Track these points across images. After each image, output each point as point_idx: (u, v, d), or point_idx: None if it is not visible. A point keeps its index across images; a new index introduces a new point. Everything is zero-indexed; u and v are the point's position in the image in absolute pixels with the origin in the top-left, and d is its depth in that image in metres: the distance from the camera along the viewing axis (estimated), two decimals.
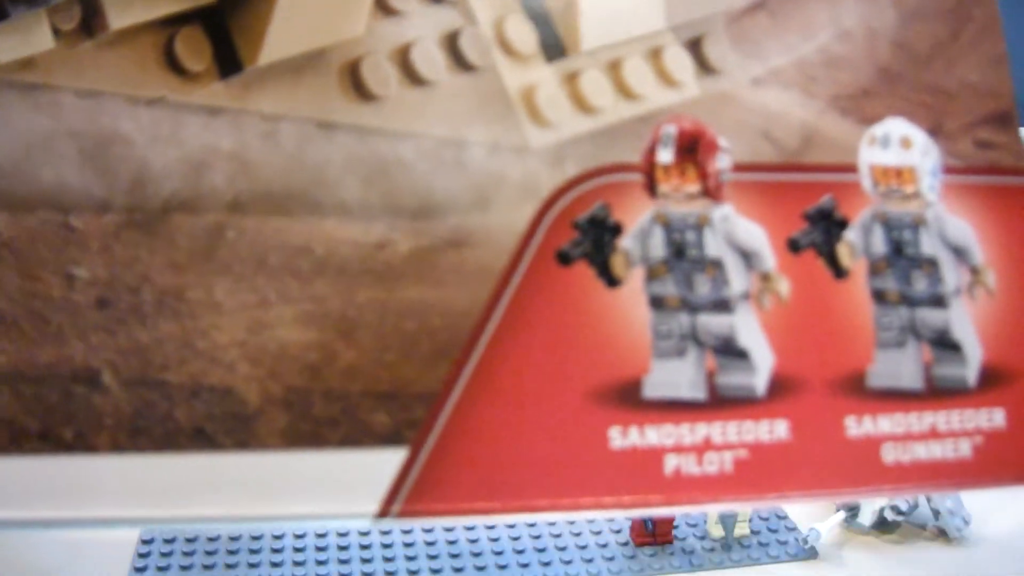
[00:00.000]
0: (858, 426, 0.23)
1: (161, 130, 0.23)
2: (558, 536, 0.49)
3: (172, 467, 0.21)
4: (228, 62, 0.23)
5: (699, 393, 0.23)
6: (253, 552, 0.48)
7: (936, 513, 0.48)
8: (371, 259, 0.22)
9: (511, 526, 0.49)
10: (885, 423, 0.24)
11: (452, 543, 0.48)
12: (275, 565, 0.47)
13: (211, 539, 0.49)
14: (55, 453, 0.21)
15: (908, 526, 0.50)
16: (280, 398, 0.22)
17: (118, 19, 0.23)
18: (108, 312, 0.22)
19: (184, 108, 0.23)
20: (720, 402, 0.23)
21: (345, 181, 0.23)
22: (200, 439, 0.22)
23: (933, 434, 0.24)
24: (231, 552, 0.48)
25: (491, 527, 0.49)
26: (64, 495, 0.21)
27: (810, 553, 0.47)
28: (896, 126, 0.25)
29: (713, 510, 0.44)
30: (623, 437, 0.23)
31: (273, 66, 0.23)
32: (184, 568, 0.47)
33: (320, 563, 0.47)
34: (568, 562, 0.47)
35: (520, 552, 0.47)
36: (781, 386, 0.23)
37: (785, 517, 0.51)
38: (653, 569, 0.46)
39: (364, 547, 0.48)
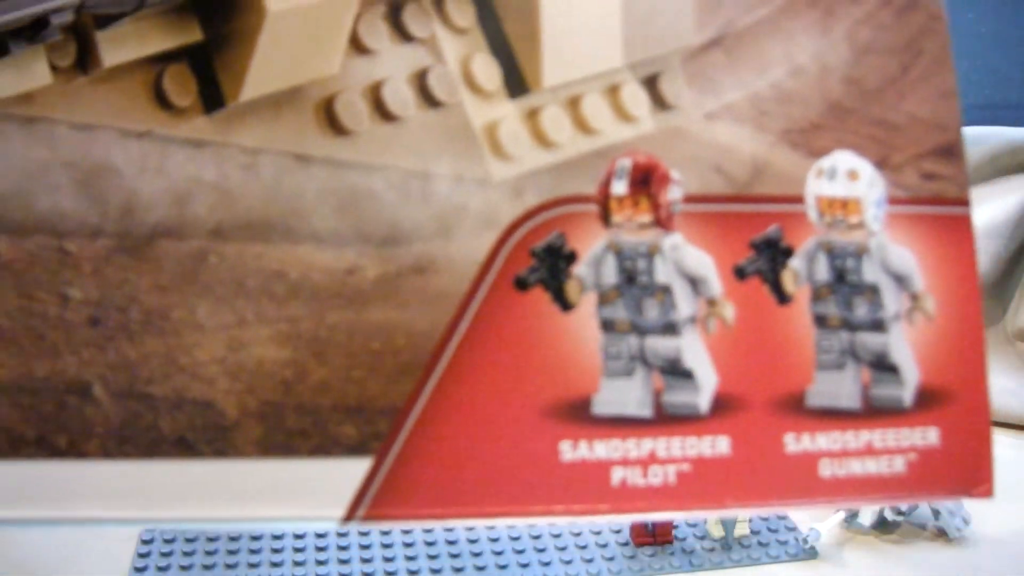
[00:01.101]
0: (796, 443, 0.24)
1: (149, 161, 0.24)
2: (558, 536, 0.48)
3: (156, 472, 0.23)
4: (212, 98, 0.24)
5: (645, 411, 0.24)
6: (253, 552, 0.47)
7: (936, 513, 0.47)
8: (341, 284, 0.24)
9: (511, 525, 0.48)
10: (823, 440, 0.24)
11: (452, 543, 0.47)
12: (275, 565, 0.46)
13: (211, 539, 0.48)
14: (50, 458, 0.23)
15: (908, 526, 0.49)
16: (256, 411, 0.23)
17: (111, 56, 0.24)
18: (99, 330, 0.23)
19: (170, 141, 0.24)
20: (665, 419, 0.24)
21: (319, 210, 0.24)
22: (182, 447, 0.23)
23: (869, 451, 0.25)
24: (231, 552, 0.47)
25: (491, 527, 0.48)
26: (57, 496, 0.23)
27: (810, 553, 0.46)
28: (843, 159, 0.25)
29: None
30: (573, 450, 0.24)
31: (254, 102, 0.24)
32: (184, 568, 0.45)
33: (320, 563, 0.46)
34: (568, 562, 0.45)
35: (520, 552, 0.46)
36: (724, 405, 0.24)
37: (785, 517, 0.50)
38: (653, 569, 0.45)
39: (364, 547, 0.47)
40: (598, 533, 0.48)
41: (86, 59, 0.24)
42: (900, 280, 0.25)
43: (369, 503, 0.23)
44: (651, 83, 0.25)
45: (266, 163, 0.24)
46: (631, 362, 0.24)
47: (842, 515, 0.48)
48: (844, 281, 0.25)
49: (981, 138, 0.67)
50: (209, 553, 0.47)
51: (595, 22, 0.25)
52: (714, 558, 0.46)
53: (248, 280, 0.23)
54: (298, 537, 0.48)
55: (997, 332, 0.67)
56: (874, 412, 0.24)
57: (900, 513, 0.46)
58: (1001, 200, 0.65)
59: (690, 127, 0.25)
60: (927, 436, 0.24)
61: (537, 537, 0.47)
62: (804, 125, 0.25)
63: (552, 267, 0.23)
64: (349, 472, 0.23)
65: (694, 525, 0.48)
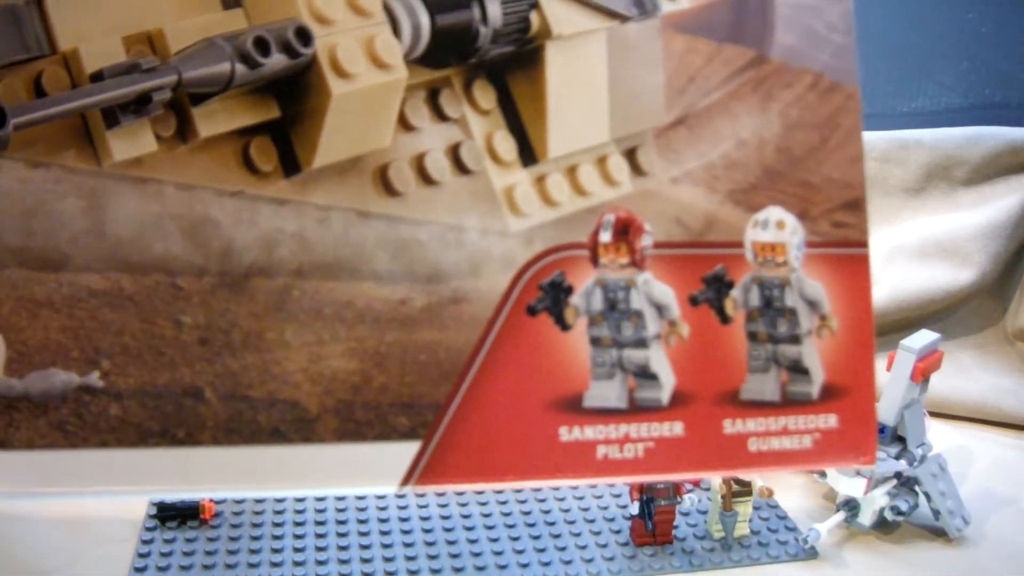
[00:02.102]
0: (732, 426, 0.32)
1: (242, 215, 0.29)
2: (558, 536, 0.47)
3: (256, 456, 0.29)
4: (290, 164, 0.30)
5: (622, 404, 0.31)
6: (253, 552, 0.46)
7: (936, 513, 0.46)
8: (396, 311, 0.30)
9: (511, 526, 0.47)
10: (751, 424, 0.32)
11: (452, 543, 0.46)
12: (275, 565, 0.45)
13: (211, 539, 0.46)
14: (171, 446, 0.29)
15: (908, 526, 0.48)
16: (332, 408, 0.30)
17: (205, 129, 0.30)
18: (207, 347, 0.29)
19: (258, 199, 0.30)
20: (636, 410, 0.31)
21: (377, 255, 0.30)
22: (276, 436, 0.29)
23: (784, 432, 0.32)
24: (231, 552, 0.45)
25: (490, 527, 0.48)
26: (178, 476, 0.29)
27: (810, 553, 0.45)
28: (774, 212, 0.32)
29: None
30: (568, 433, 0.31)
31: (324, 168, 0.30)
32: (183, 568, 0.44)
33: (320, 563, 0.45)
34: (568, 562, 0.44)
35: (520, 552, 0.45)
36: (679, 398, 0.32)
37: (785, 517, 0.49)
38: (653, 569, 0.44)
39: (364, 547, 0.46)
40: (598, 533, 0.47)
41: (185, 130, 0.29)
42: (812, 305, 0.32)
43: (418, 475, 0.30)
44: (631, 154, 0.31)
45: (335, 217, 0.30)
46: (612, 368, 0.31)
47: (842, 515, 0.47)
48: (771, 307, 0.32)
49: (981, 138, 0.64)
50: (209, 553, 0.45)
51: (588, 106, 0.31)
52: (714, 558, 0.45)
53: (324, 309, 0.29)
54: (298, 537, 0.47)
55: (997, 332, 0.65)
56: (789, 403, 0.32)
57: (900, 513, 0.46)
58: (1001, 200, 0.63)
59: (659, 189, 0.31)
60: (828, 421, 0.32)
61: (537, 537, 0.46)
62: (745, 186, 0.32)
63: (555, 298, 0.30)
64: (403, 452, 0.30)
65: (694, 525, 0.48)
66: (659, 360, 0.31)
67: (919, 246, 0.65)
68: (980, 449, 0.58)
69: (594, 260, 0.31)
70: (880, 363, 0.42)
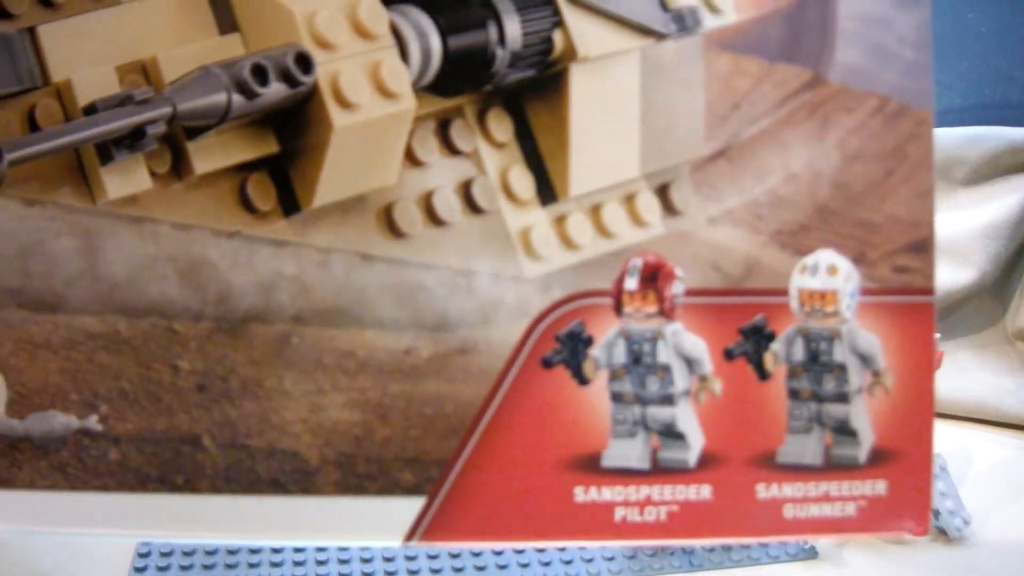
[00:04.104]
0: (766, 491, 0.28)
1: (239, 257, 0.27)
2: None
3: (254, 505, 0.27)
4: (289, 204, 0.27)
5: (644, 464, 0.28)
6: (253, 552, 0.44)
7: (936, 513, 0.45)
8: (400, 361, 0.27)
9: None
10: (788, 489, 0.28)
11: None
12: (275, 565, 0.43)
13: None
14: (169, 492, 0.27)
15: None
16: (333, 459, 0.27)
17: (201, 165, 0.27)
18: (205, 394, 0.27)
19: (256, 240, 0.27)
20: (660, 471, 0.28)
21: (381, 301, 0.27)
22: (275, 486, 0.27)
23: (826, 498, 0.28)
24: (231, 552, 0.44)
25: None
26: (176, 522, 0.27)
27: (810, 553, 0.44)
28: (825, 256, 0.28)
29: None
30: (584, 494, 0.28)
31: (324, 208, 0.27)
32: (184, 568, 0.43)
33: (320, 563, 0.43)
34: (568, 562, 0.43)
35: (520, 552, 0.44)
36: (708, 460, 0.28)
37: None
38: (653, 569, 0.43)
39: (364, 547, 0.44)
40: None
41: (180, 166, 0.27)
42: (865, 360, 0.28)
43: (422, 531, 0.27)
44: (663, 191, 0.27)
45: (336, 261, 0.27)
46: (634, 426, 0.27)
47: None
48: (816, 361, 0.28)
49: (981, 138, 0.64)
50: (209, 553, 0.44)
51: (616, 137, 0.27)
52: (714, 558, 0.44)
53: (325, 357, 0.27)
54: None
55: (997, 332, 0.64)
56: (833, 467, 0.28)
57: None
58: (1001, 200, 0.62)
59: (694, 231, 0.27)
60: (876, 487, 0.28)
61: None
62: (793, 227, 0.27)
63: (573, 350, 0.27)
64: (407, 508, 0.27)
65: None
66: (687, 419, 0.27)
67: None
68: (980, 449, 0.56)
69: (618, 309, 0.27)
70: None
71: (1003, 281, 0.64)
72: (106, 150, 0.26)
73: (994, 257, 0.62)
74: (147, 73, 0.26)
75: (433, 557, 0.45)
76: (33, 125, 0.26)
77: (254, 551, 0.45)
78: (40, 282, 0.27)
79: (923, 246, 0.28)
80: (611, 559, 0.44)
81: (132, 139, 0.26)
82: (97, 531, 0.27)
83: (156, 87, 0.26)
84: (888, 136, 0.28)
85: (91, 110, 0.26)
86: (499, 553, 0.44)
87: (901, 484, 0.28)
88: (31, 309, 0.27)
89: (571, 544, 0.28)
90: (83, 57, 0.26)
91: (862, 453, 0.28)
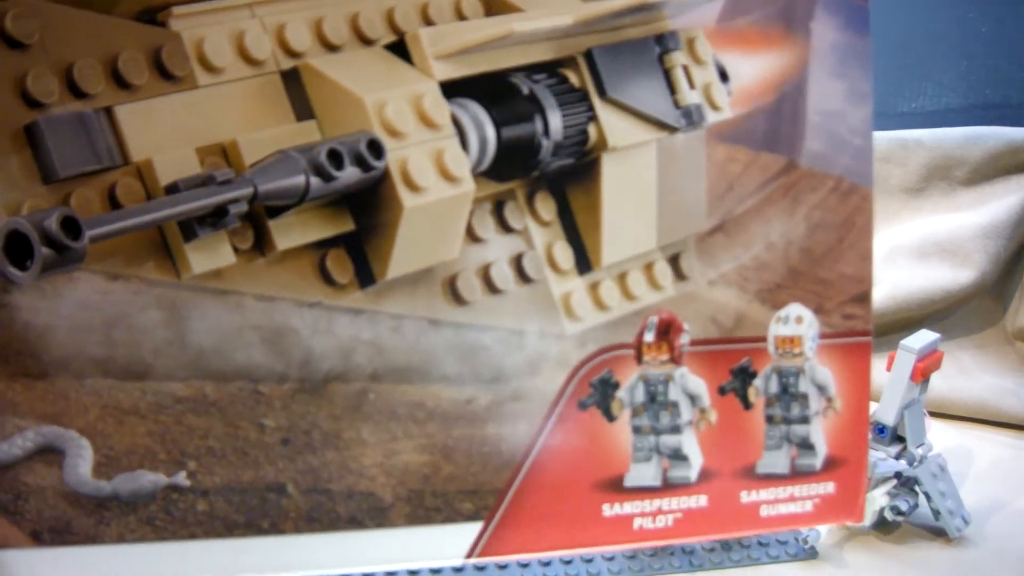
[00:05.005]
0: (748, 496, 0.35)
1: (320, 325, 0.29)
2: None
3: (335, 542, 0.31)
4: (365, 276, 0.29)
5: (657, 482, 0.33)
6: None
7: (936, 513, 0.44)
8: (463, 409, 0.31)
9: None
10: (764, 494, 0.35)
11: None
12: None
13: None
14: (256, 536, 0.30)
15: (908, 526, 0.46)
16: (405, 496, 0.31)
17: (283, 242, 0.29)
18: (289, 447, 0.30)
19: (335, 309, 0.30)
20: (669, 487, 0.34)
21: (447, 359, 0.30)
22: (353, 523, 0.31)
23: (791, 499, 0.35)
24: None
25: None
26: (262, 563, 0.30)
27: (810, 553, 0.43)
28: (794, 309, 0.34)
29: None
30: (610, 509, 0.33)
31: (396, 280, 0.30)
32: None
33: None
34: (568, 562, 0.42)
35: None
36: (705, 475, 0.34)
37: None
38: (653, 569, 0.42)
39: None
40: None
41: (262, 243, 0.29)
42: (821, 389, 0.35)
43: (480, 550, 0.32)
44: (674, 260, 0.32)
45: (408, 326, 0.30)
46: (650, 452, 0.33)
47: None
48: (786, 392, 0.35)
49: (981, 138, 0.61)
50: None
51: (639, 215, 0.32)
52: (714, 558, 0.43)
53: (398, 409, 0.30)
54: None
55: (997, 332, 0.62)
56: (797, 475, 0.35)
57: (900, 513, 0.44)
58: (1001, 200, 0.60)
59: (698, 291, 0.33)
60: (827, 488, 0.35)
61: None
62: (771, 286, 0.34)
63: (603, 393, 0.32)
64: (467, 532, 0.31)
65: None
66: (690, 443, 0.33)
67: (919, 246, 0.61)
68: (980, 449, 0.55)
69: (638, 358, 0.32)
70: (880, 363, 0.40)
71: (1003, 281, 0.62)
72: (190, 228, 0.28)
73: (994, 257, 0.60)
74: (227, 155, 0.28)
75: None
76: (113, 203, 0.28)
77: None
78: (126, 351, 0.28)
79: (864, 297, 0.35)
80: (611, 559, 0.43)
81: (215, 217, 0.28)
82: None
83: (236, 169, 0.28)
84: (841, 209, 0.34)
85: (173, 189, 0.27)
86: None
87: (845, 484, 0.35)
88: (117, 377, 0.28)
89: (599, 551, 0.33)
90: (161, 138, 0.28)
91: (818, 462, 0.35)
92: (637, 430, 0.32)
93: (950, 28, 0.67)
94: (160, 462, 0.28)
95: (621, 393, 0.31)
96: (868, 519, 0.45)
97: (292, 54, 0.28)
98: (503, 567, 0.43)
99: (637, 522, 0.32)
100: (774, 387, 0.34)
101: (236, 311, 0.28)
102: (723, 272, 0.32)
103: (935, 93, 0.67)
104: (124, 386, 0.28)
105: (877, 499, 0.45)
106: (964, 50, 0.67)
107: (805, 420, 0.34)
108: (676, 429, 0.32)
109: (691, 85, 0.32)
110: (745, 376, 0.33)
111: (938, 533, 0.46)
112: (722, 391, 0.33)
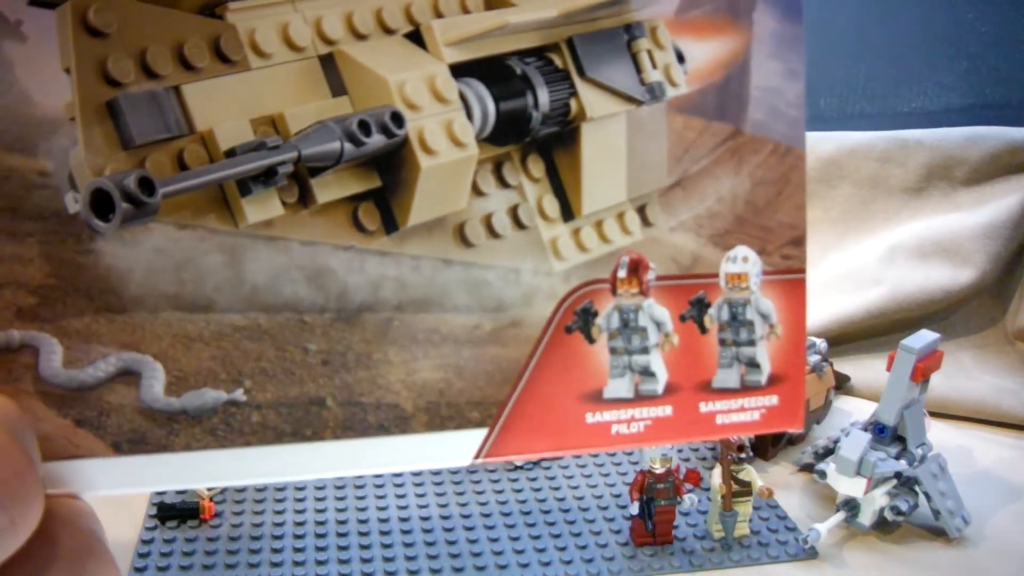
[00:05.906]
0: (705, 407, 0.42)
1: (353, 265, 0.35)
2: (558, 536, 0.46)
3: (368, 446, 0.37)
4: (390, 224, 0.35)
5: (630, 395, 0.40)
6: (253, 552, 0.44)
7: (936, 513, 0.46)
8: (471, 334, 0.37)
9: (511, 526, 0.46)
10: (719, 404, 0.42)
11: (452, 543, 0.46)
12: (275, 565, 0.43)
13: (211, 539, 0.45)
14: (301, 442, 0.36)
15: (908, 526, 0.46)
16: (424, 407, 0.37)
17: (322, 196, 0.35)
18: (328, 367, 0.36)
19: (366, 252, 0.35)
20: (640, 398, 0.40)
21: (457, 293, 0.37)
22: (382, 430, 0.37)
23: (741, 409, 0.42)
24: (231, 552, 0.44)
25: (490, 527, 0.47)
26: (306, 465, 0.36)
27: (810, 553, 0.45)
28: (741, 250, 0.41)
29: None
30: (592, 416, 0.40)
31: (416, 226, 0.36)
32: (183, 568, 0.43)
33: (320, 563, 0.43)
34: (568, 562, 0.44)
35: (520, 552, 0.44)
36: (669, 389, 0.41)
37: (785, 517, 0.47)
38: (653, 569, 0.44)
39: (364, 547, 0.45)
40: (598, 533, 0.46)
41: (305, 197, 0.35)
42: (765, 317, 0.42)
43: (485, 452, 0.38)
44: (641, 210, 0.39)
45: (425, 265, 0.36)
46: (624, 370, 0.40)
47: (842, 515, 0.45)
48: (736, 320, 0.41)
49: (981, 138, 0.63)
50: (209, 553, 0.44)
51: (612, 173, 0.38)
52: (714, 558, 0.44)
53: (418, 335, 0.36)
54: (298, 537, 0.45)
55: (997, 332, 0.63)
56: (746, 389, 0.42)
57: (900, 513, 0.45)
58: (1001, 200, 0.61)
59: (661, 236, 0.39)
60: (771, 400, 0.42)
61: (537, 537, 0.46)
62: (722, 231, 0.40)
63: (585, 320, 0.38)
64: (475, 437, 0.37)
65: (694, 525, 0.46)
66: (657, 362, 0.40)
67: (919, 246, 0.64)
68: (980, 449, 0.57)
69: (613, 291, 0.39)
70: (880, 363, 0.42)
71: (1003, 281, 0.64)
72: (245, 185, 0.34)
73: (994, 257, 0.62)
74: (275, 125, 0.34)
75: (433, 557, 0.45)
76: (182, 166, 0.33)
77: (254, 551, 0.46)
78: (193, 288, 0.34)
79: (799, 241, 0.42)
80: (611, 559, 0.45)
81: (266, 176, 0.34)
82: (245, 481, 0.35)
83: (283, 136, 0.34)
84: (779, 168, 0.41)
85: (231, 153, 0.33)
86: (499, 553, 0.45)
87: (786, 397, 0.42)
88: (185, 310, 0.34)
89: (583, 452, 0.40)
90: (221, 111, 0.33)
91: (763, 378, 0.42)
92: (613, 351, 0.39)
93: (950, 28, 0.69)
94: (221, 381, 0.34)
95: (599, 320, 0.38)
96: (868, 519, 0.47)
97: (328, 42, 0.34)
98: (502, 566, 0.47)
99: (614, 428, 0.39)
100: (725, 315, 0.40)
101: (284, 254, 0.34)
102: (682, 220, 0.39)
103: (935, 93, 0.70)
104: (191, 317, 0.34)
105: (877, 499, 0.47)
106: (964, 50, 0.70)
107: (752, 343, 0.41)
108: (645, 350, 0.39)
109: (654, 66, 0.39)
110: (701, 306, 0.40)
111: (938, 533, 0.47)
112: (683, 318, 0.39)
